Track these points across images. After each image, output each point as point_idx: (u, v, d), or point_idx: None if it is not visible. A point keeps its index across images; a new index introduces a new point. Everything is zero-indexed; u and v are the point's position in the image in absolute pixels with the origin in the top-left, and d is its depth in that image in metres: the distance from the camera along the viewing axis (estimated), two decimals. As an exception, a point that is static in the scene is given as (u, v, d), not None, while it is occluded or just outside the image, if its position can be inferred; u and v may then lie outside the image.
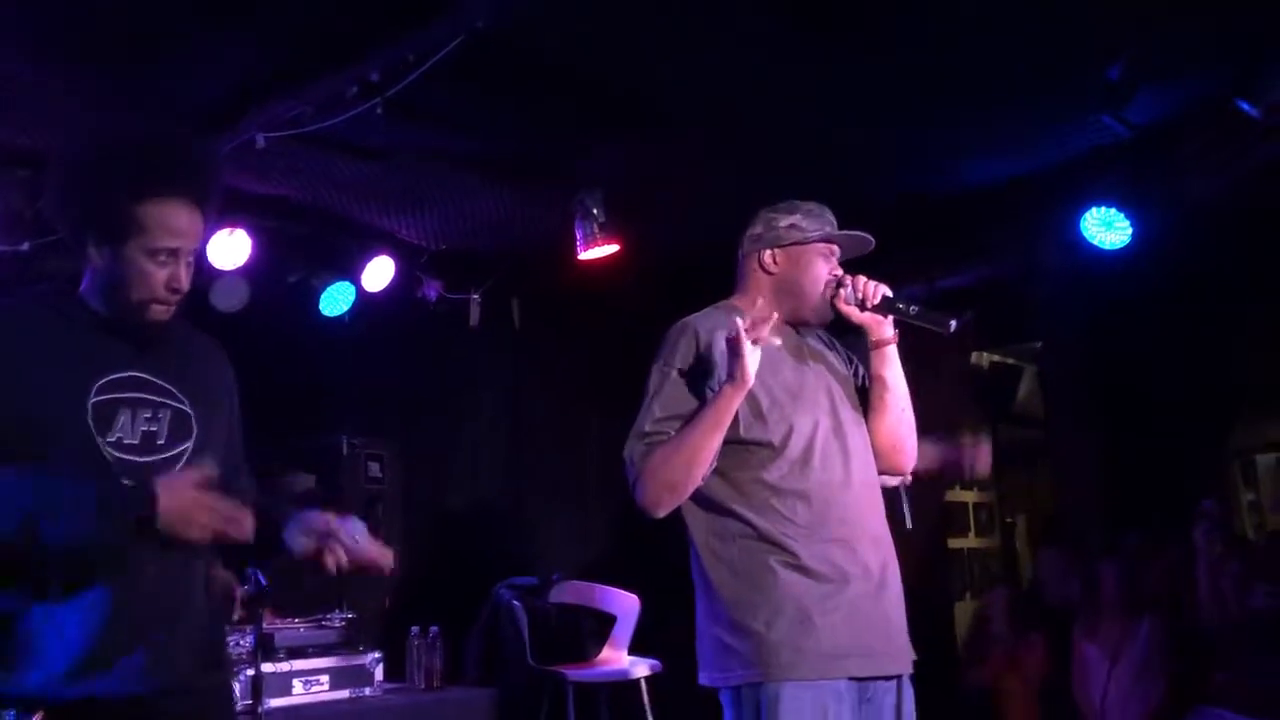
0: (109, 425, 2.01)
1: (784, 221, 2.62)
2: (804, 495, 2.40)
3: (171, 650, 2.02)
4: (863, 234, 2.65)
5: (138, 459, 2.02)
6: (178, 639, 2.04)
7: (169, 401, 2.09)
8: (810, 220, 2.62)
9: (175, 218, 2.04)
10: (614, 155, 4.97)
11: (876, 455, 2.61)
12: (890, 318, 2.59)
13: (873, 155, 5.01)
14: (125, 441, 2.02)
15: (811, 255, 2.61)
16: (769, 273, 2.62)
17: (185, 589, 2.07)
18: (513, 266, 6.20)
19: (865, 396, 2.64)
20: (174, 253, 2.05)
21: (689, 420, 2.39)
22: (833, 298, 2.58)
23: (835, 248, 2.65)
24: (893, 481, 2.72)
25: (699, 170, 5.07)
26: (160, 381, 2.09)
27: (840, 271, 2.62)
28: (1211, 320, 6.03)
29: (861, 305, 2.57)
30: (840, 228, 2.65)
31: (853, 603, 2.37)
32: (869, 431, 2.60)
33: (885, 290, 2.57)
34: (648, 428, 2.42)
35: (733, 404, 2.36)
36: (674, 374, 2.46)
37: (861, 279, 2.58)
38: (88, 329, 2.06)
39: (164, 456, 2.06)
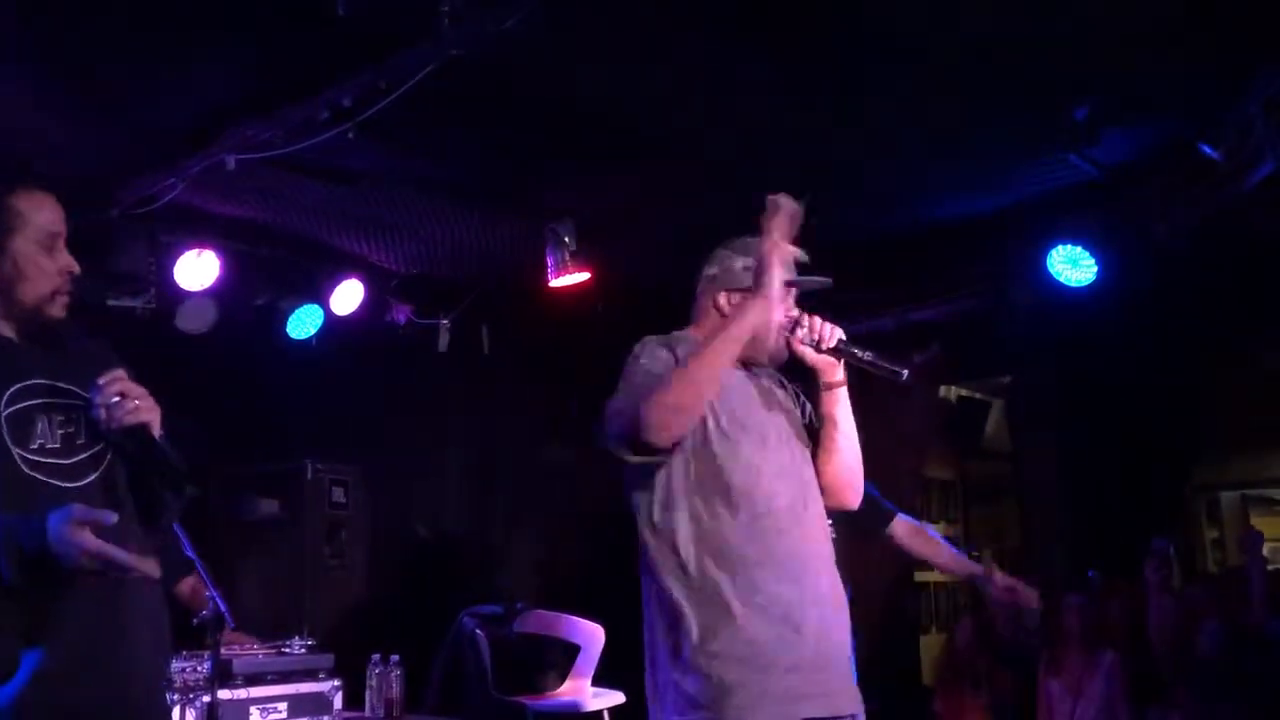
0: (28, 434, 2.01)
1: (739, 263, 2.57)
2: (760, 537, 2.37)
3: (120, 673, 2.01)
4: (820, 279, 2.59)
5: (62, 461, 2.03)
6: (127, 662, 2.03)
7: (78, 402, 2.09)
8: None
9: (48, 204, 2.11)
10: (586, 184, 4.99)
11: (824, 492, 2.58)
12: (843, 360, 2.57)
13: (844, 190, 5.05)
14: (48, 447, 2.03)
15: None
16: (724, 314, 2.56)
17: (125, 611, 2.04)
18: (483, 292, 6.19)
19: (814, 435, 2.62)
20: (57, 236, 2.10)
21: (701, 345, 2.39)
22: (789, 336, 2.55)
23: (790, 288, 2.59)
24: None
25: (670, 200, 5.09)
26: (65, 384, 2.09)
27: (796, 312, 2.58)
28: (1177, 358, 6.11)
29: (817, 347, 2.53)
30: (810, 260, 2.64)
31: (808, 644, 2.35)
32: (817, 470, 2.58)
33: (840, 334, 2.53)
34: (645, 374, 2.40)
35: (752, 318, 2.39)
36: (656, 362, 2.44)
37: (818, 321, 2.54)
38: None
39: (87, 455, 2.07)
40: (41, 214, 2.09)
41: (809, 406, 2.68)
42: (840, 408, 2.58)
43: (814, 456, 2.59)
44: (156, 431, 2.06)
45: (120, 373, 2.05)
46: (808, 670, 2.32)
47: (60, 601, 1.93)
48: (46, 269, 2.07)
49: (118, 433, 2.03)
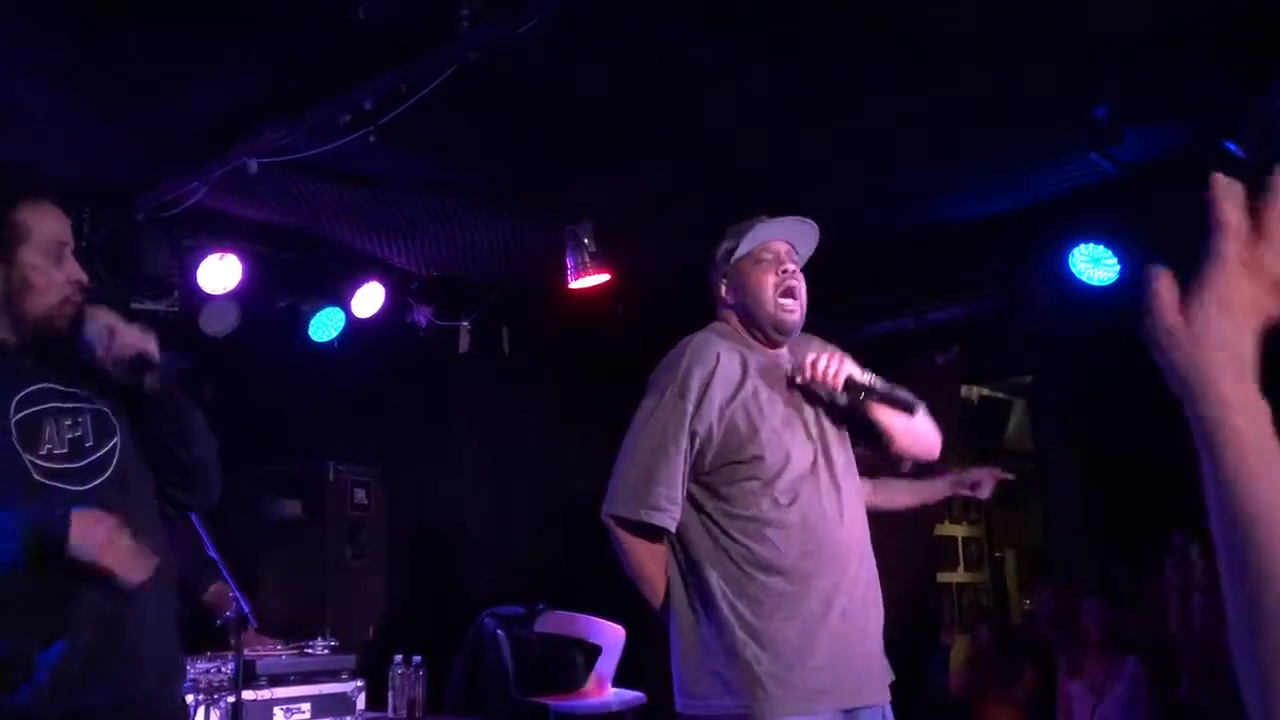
0: (36, 440, 2.03)
1: (721, 250, 2.64)
2: (797, 528, 2.39)
3: (134, 668, 2.04)
4: (796, 219, 2.60)
5: (72, 465, 2.05)
6: (140, 656, 2.06)
7: (83, 405, 2.12)
8: (739, 237, 2.60)
9: (53, 214, 2.12)
10: (605, 185, 4.99)
11: (915, 459, 2.66)
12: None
13: (865, 189, 5.04)
14: (56, 452, 2.04)
15: (749, 268, 2.59)
16: (729, 303, 2.63)
17: (144, 607, 2.07)
18: (503, 294, 6.21)
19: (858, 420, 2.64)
20: (64, 245, 2.11)
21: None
22: (791, 382, 2.54)
23: (781, 249, 2.60)
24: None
25: (689, 201, 5.09)
26: (68, 388, 2.11)
27: (788, 267, 2.56)
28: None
29: (831, 399, 2.54)
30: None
31: (842, 636, 2.37)
32: (892, 456, 2.64)
33: (849, 366, 2.52)
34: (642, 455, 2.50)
35: None
36: (653, 431, 2.48)
37: (820, 365, 2.49)
38: None
39: (97, 457, 2.09)
40: (47, 225, 2.09)
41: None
42: (880, 413, 2.58)
43: (876, 438, 2.61)
44: (155, 355, 2.09)
45: (101, 309, 2.07)
46: (841, 662, 2.34)
47: (73, 599, 1.95)
48: (55, 279, 2.08)
49: (119, 369, 2.05)
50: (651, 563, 2.47)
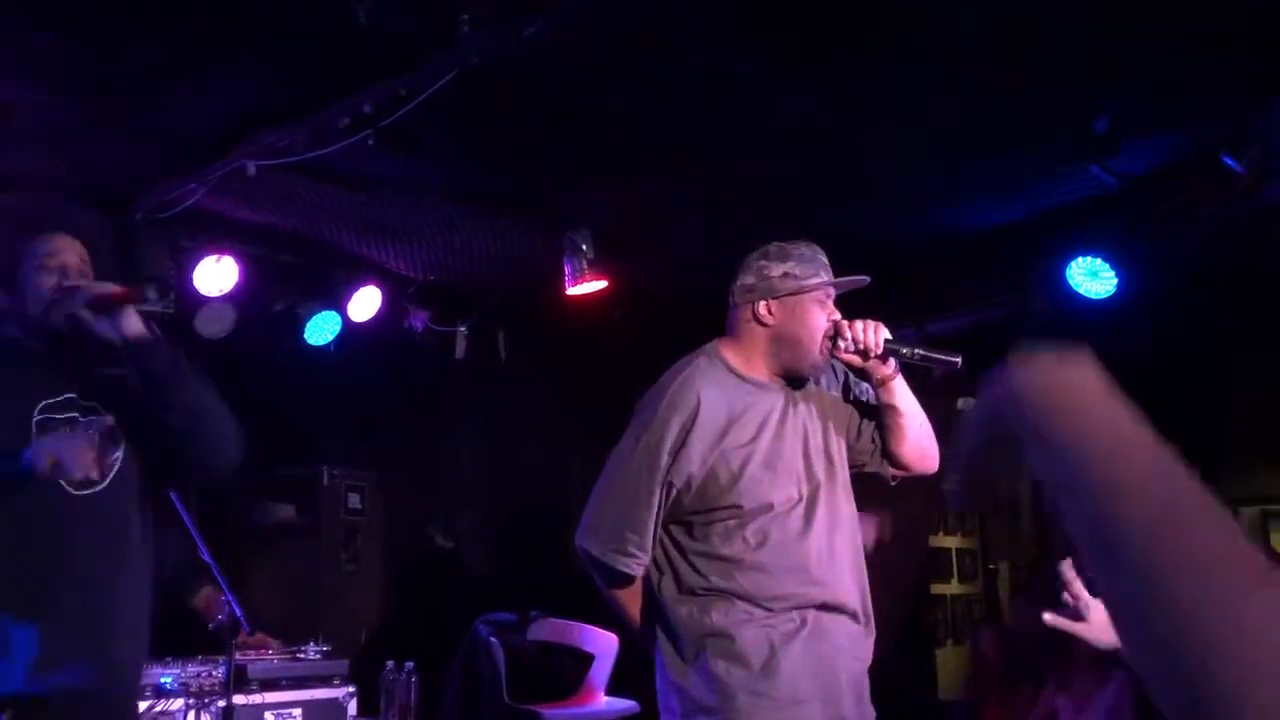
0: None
1: (777, 270, 2.53)
2: (767, 567, 2.38)
3: (103, 656, 2.19)
4: (859, 277, 2.58)
5: None
6: (110, 648, 2.21)
7: (98, 416, 2.27)
8: (804, 266, 2.53)
9: (50, 242, 2.34)
10: (605, 192, 4.99)
11: (906, 468, 2.60)
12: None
13: (864, 200, 5.04)
14: None
15: (808, 304, 2.52)
16: (764, 324, 2.53)
17: (118, 600, 2.23)
18: (500, 299, 6.20)
19: (871, 412, 2.61)
20: (52, 257, 2.32)
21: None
22: (831, 349, 2.52)
23: (831, 290, 2.58)
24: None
25: (690, 208, 5.09)
26: (88, 400, 2.31)
27: (837, 315, 2.55)
28: (1197, 371, 6.06)
29: (864, 355, 2.50)
30: (832, 270, 2.62)
31: (819, 652, 2.36)
32: (892, 454, 2.59)
33: (884, 333, 2.50)
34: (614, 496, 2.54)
35: None
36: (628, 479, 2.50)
37: (859, 325, 2.49)
38: (19, 361, 2.30)
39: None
40: (45, 250, 2.32)
41: (853, 386, 2.68)
42: (899, 397, 2.56)
43: (882, 439, 2.59)
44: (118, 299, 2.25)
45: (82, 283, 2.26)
46: (813, 677, 2.32)
47: (47, 586, 2.10)
48: (40, 288, 2.28)
49: (75, 327, 2.24)
50: (624, 596, 2.51)
